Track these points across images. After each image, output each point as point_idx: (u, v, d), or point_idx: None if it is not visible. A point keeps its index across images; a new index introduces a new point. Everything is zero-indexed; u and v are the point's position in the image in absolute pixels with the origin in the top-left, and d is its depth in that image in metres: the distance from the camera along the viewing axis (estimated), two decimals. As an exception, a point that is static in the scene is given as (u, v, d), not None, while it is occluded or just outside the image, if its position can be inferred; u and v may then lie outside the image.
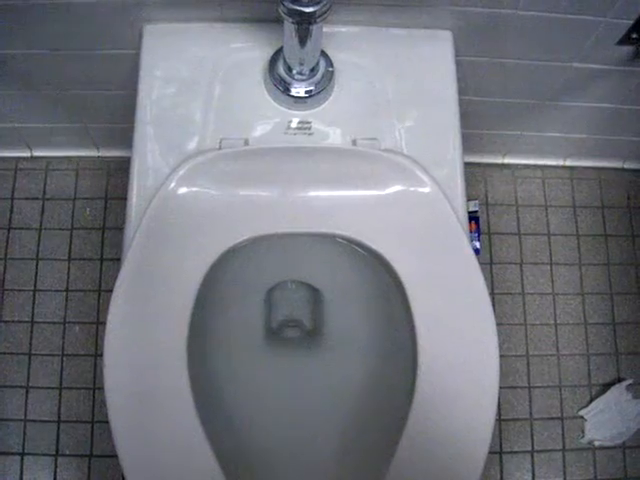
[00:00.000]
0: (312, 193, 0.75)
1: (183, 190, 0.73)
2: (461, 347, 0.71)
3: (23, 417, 1.14)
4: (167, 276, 0.71)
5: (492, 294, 1.22)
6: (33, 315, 1.18)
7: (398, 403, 0.72)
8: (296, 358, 0.90)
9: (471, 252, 0.73)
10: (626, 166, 1.34)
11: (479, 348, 0.71)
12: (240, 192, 0.74)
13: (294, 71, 0.74)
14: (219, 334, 0.86)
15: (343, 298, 0.88)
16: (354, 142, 0.76)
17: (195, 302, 0.70)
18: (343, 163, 0.75)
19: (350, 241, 0.75)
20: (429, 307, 0.71)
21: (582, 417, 1.20)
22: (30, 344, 1.17)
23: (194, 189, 0.73)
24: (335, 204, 0.75)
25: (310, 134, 0.77)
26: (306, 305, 0.92)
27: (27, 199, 1.24)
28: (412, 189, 0.74)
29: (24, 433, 1.14)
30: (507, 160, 1.32)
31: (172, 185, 0.72)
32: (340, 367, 0.88)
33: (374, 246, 0.74)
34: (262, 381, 0.88)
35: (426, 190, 0.74)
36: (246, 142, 0.75)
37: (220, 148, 0.74)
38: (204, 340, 0.80)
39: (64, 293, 1.20)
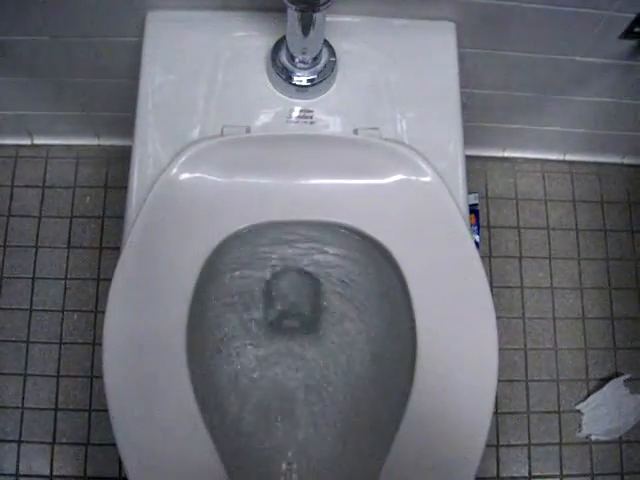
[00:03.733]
0: (313, 181, 0.75)
1: (185, 176, 0.73)
2: (460, 338, 0.71)
3: (20, 405, 1.14)
4: (167, 261, 0.71)
5: (491, 287, 1.21)
6: (32, 303, 1.18)
7: (396, 394, 0.72)
8: (295, 348, 0.90)
9: (471, 241, 0.73)
10: (626, 161, 1.34)
11: (479, 339, 0.71)
12: (241, 179, 0.74)
13: (296, 60, 0.74)
14: (218, 321, 0.86)
15: (343, 288, 0.88)
16: (355, 131, 0.76)
17: (195, 289, 0.70)
18: (344, 152, 0.75)
19: (350, 230, 0.75)
20: (429, 297, 0.71)
21: (579, 411, 1.21)
22: (28, 332, 1.17)
23: (196, 175, 0.73)
24: (336, 193, 0.75)
25: (312, 123, 0.77)
26: (306, 294, 0.92)
27: (27, 187, 1.24)
28: (413, 178, 0.74)
29: (21, 421, 1.14)
30: (507, 154, 1.32)
31: (174, 171, 0.72)
32: (339, 357, 0.88)
33: (374, 235, 0.74)
34: (260, 370, 0.88)
35: (427, 179, 0.74)
36: (248, 130, 0.75)
37: (222, 135, 0.74)
38: (203, 327, 0.80)
39: (63, 281, 1.20)
